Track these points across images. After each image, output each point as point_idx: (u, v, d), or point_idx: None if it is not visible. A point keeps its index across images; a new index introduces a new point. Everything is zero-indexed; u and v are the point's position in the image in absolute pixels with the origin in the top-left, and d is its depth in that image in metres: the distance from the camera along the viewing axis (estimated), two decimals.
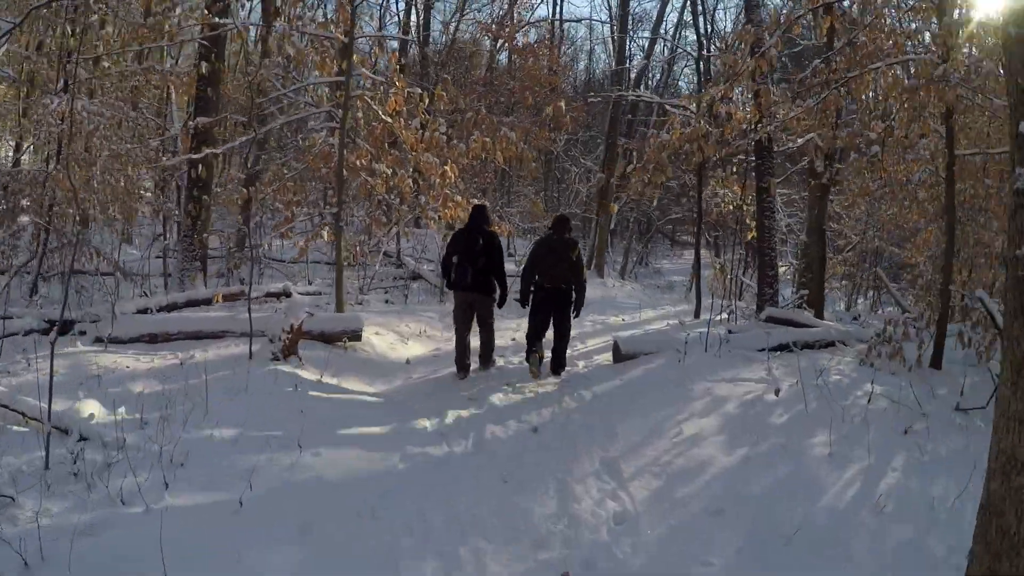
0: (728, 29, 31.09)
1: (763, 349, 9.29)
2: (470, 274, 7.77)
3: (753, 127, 10.32)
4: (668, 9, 28.36)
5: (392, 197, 11.40)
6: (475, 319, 8.20)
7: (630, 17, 23.99)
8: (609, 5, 33.54)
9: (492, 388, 7.95)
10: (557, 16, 31.06)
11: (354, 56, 9.58)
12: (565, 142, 24.50)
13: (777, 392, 7.37)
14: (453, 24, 26.18)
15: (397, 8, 30.44)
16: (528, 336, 8.36)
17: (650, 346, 9.10)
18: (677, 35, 30.47)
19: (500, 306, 8.34)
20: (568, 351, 8.83)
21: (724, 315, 11.98)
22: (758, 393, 7.44)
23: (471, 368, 8.31)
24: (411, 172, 10.68)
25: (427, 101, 9.67)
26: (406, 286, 14.79)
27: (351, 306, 12.81)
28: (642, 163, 10.61)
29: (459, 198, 10.07)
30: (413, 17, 26.23)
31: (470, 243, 7.84)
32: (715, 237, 30.18)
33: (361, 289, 13.85)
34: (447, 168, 9.95)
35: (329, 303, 12.78)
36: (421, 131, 9.95)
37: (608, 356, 9.47)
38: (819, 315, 12.22)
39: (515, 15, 25.75)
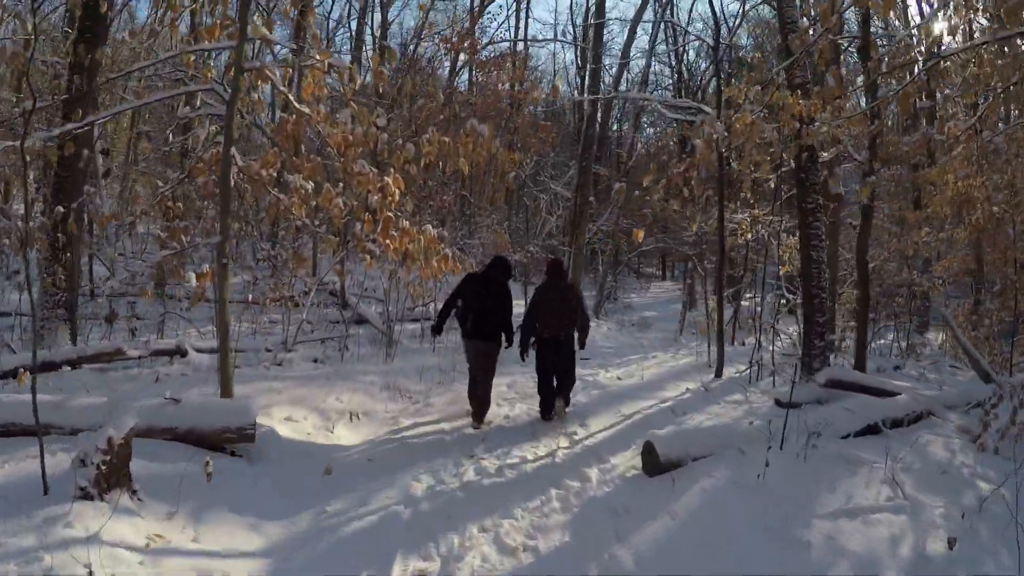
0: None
1: (848, 435, 6.69)
2: (471, 321, 7.57)
3: (800, 129, 7.19)
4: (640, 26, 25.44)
5: (315, 223, 8.01)
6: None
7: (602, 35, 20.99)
8: (573, 25, 30.51)
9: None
10: (521, 37, 28.19)
11: (253, 15, 6.27)
12: (533, 165, 21.37)
13: (951, 544, 4.27)
14: (411, 45, 22.96)
15: (350, 28, 27.42)
16: (540, 391, 7.88)
17: (700, 446, 5.84)
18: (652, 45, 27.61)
19: (509, 345, 7.86)
20: (568, 442, 6.97)
21: (745, 370, 8.89)
22: (910, 541, 4.27)
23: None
24: (340, 188, 7.34)
25: (356, 81, 6.36)
26: (345, 334, 11.33)
27: (264, 369, 9.34)
28: (662, 182, 7.38)
29: (406, 224, 6.72)
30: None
31: (483, 290, 7.62)
32: (691, 268, 27.32)
33: (285, 343, 10.37)
34: (388, 181, 6.62)
35: (241, 366, 9.35)
36: (351, 127, 6.62)
37: (631, 458, 6.19)
38: (861, 366, 9.17)
39: (476, 31, 22.97)
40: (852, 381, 8.15)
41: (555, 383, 7.81)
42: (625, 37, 24.59)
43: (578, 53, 27.76)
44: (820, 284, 8.89)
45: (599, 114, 21.10)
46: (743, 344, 15.27)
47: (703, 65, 29.31)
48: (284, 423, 6.68)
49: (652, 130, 31.16)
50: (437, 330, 8.18)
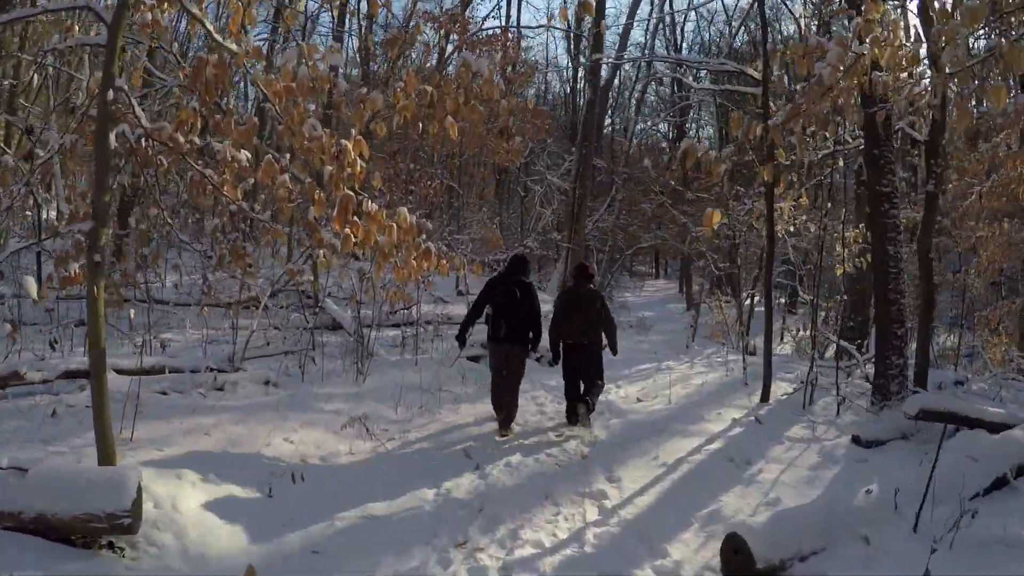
0: None
1: (977, 495, 4.83)
2: (505, 327, 7.01)
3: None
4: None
5: (256, 207, 5.96)
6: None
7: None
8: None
9: None
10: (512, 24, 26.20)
11: None
12: (528, 153, 19.35)
13: None
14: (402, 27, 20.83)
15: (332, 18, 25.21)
16: (567, 394, 7.45)
17: (808, 536, 3.84)
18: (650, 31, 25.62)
19: (535, 349, 7.35)
20: (597, 511, 5.08)
21: (795, 391, 6.95)
22: None
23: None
24: (287, 159, 5.31)
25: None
26: (308, 347, 9.25)
27: (200, 396, 7.32)
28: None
29: (374, 207, 4.70)
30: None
31: (508, 294, 7.08)
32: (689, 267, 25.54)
33: (231, 360, 8.30)
34: (347, 145, 4.59)
35: (170, 392, 7.41)
36: (296, 69, 4.59)
37: (697, 549, 4.22)
38: (922, 382, 7.29)
39: (467, 12, 20.95)
40: (949, 411, 6.24)
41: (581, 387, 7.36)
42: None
43: (572, 39, 25.78)
44: (898, 287, 6.93)
45: (600, 93, 19.10)
46: (752, 352, 13.37)
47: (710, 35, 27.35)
48: (199, 487, 4.64)
49: (644, 124, 29.25)
50: (462, 340, 7.46)
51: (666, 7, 25.52)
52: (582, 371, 7.32)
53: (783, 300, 21.02)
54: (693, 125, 31.80)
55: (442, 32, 19.42)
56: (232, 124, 5.02)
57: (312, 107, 5.04)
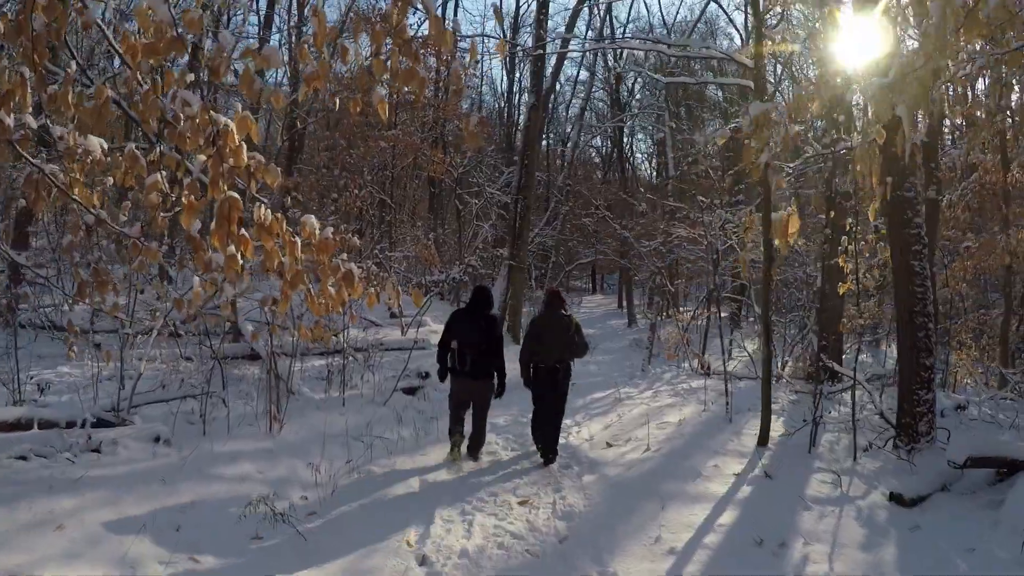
0: None
1: None
2: (469, 360, 6.69)
3: None
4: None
5: (116, 219, 4.39)
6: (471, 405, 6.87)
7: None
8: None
9: None
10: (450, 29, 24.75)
11: None
12: (466, 163, 17.97)
13: None
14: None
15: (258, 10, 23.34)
16: (535, 424, 7.05)
17: None
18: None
19: (499, 396, 6.99)
20: None
21: (796, 431, 5.74)
22: None
23: (463, 448, 6.73)
24: (157, 151, 3.79)
25: None
26: (221, 383, 7.63)
27: (68, 462, 5.72)
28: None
29: (266, 213, 3.24)
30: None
31: (471, 326, 6.80)
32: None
33: (115, 410, 6.64)
34: (229, 124, 3.13)
35: (31, 457, 5.86)
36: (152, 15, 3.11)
37: None
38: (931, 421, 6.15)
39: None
40: (1006, 457, 5.11)
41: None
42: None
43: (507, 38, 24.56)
44: (925, 309, 5.78)
45: (543, 97, 17.86)
46: (707, 372, 12.25)
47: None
48: None
49: (587, 135, 28.31)
50: (443, 375, 7.04)
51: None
52: (553, 397, 7.04)
53: (723, 314, 20.18)
54: (629, 140, 31.00)
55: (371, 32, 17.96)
56: (70, 96, 3.50)
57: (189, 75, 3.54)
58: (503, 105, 27.72)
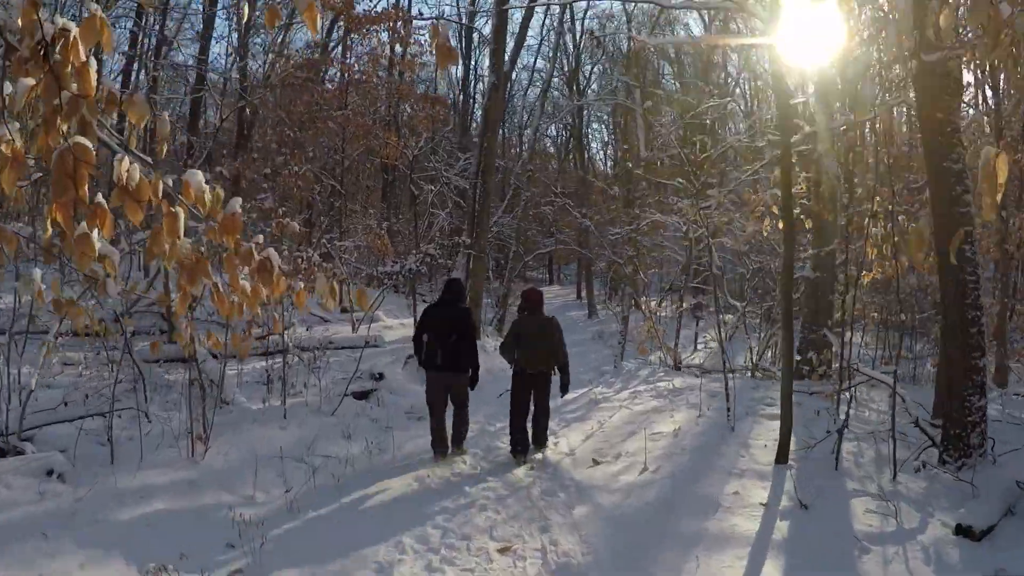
0: None
1: None
2: (440, 354, 6.49)
3: None
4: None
5: None
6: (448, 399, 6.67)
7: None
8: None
9: None
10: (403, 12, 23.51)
11: None
12: (422, 145, 16.77)
13: None
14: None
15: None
16: (511, 423, 6.75)
17: None
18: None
19: (472, 387, 6.78)
20: None
21: (816, 443, 4.81)
22: None
23: (449, 449, 6.55)
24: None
25: None
26: (142, 390, 6.40)
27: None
28: None
29: (129, 171, 2.09)
30: None
31: (443, 320, 6.58)
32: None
33: (4, 433, 5.39)
34: (72, 28, 1.97)
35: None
36: None
37: None
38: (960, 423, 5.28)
39: None
40: None
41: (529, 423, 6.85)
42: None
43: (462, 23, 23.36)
44: (977, 302, 4.89)
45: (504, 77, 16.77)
46: (678, 366, 11.36)
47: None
48: None
49: (547, 121, 27.33)
50: (425, 364, 6.74)
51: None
52: (536, 400, 6.85)
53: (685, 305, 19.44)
54: (587, 129, 30.14)
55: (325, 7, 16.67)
56: None
57: None
58: (458, 94, 26.61)
